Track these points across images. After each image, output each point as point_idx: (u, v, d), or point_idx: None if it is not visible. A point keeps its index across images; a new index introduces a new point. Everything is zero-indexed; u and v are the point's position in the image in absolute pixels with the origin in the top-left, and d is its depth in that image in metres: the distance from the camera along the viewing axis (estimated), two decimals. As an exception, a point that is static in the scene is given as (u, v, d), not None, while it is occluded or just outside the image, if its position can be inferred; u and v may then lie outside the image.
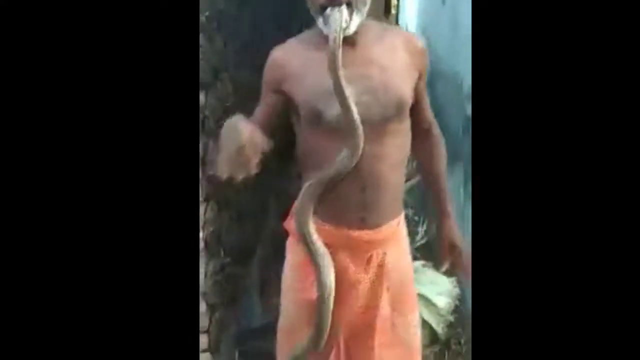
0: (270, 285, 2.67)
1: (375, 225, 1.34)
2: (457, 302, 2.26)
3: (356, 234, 1.33)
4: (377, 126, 1.25)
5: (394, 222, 1.39)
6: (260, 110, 1.33)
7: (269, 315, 2.42)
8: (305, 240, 1.27)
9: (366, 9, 1.23)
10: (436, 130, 1.44)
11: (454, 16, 2.94)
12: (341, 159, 1.21)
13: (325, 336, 1.28)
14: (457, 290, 2.26)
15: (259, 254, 2.58)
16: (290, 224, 1.38)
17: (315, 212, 1.31)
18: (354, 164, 1.22)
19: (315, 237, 1.27)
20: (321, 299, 1.26)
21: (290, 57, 1.31)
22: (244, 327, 2.25)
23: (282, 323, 1.45)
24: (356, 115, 1.16)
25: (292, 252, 1.42)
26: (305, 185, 1.26)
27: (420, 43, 1.37)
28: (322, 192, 1.24)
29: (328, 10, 1.17)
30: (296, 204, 1.27)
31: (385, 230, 1.36)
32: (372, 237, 1.34)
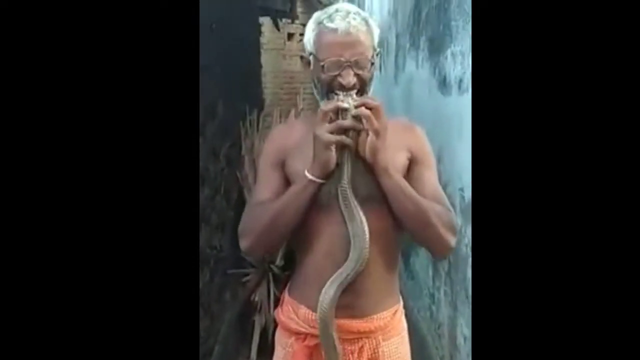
0: None
1: (365, 314, 1.22)
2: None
3: (342, 322, 1.20)
4: (365, 203, 1.17)
5: (387, 313, 1.26)
6: (266, 189, 1.25)
7: None
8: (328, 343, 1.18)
9: (372, 89, 1.22)
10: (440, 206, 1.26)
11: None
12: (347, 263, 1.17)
13: None
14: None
15: (217, 352, 2.39)
16: (279, 314, 1.31)
17: (292, 290, 1.27)
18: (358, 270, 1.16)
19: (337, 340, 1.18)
20: None
21: (292, 132, 1.27)
22: None
23: None
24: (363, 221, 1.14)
25: (281, 345, 1.31)
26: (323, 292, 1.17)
27: (409, 123, 1.32)
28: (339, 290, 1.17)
29: (340, 95, 1.14)
30: (320, 308, 1.17)
31: (377, 320, 1.24)
32: (359, 327, 1.22)
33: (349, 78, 1.13)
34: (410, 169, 1.24)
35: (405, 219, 1.18)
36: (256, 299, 2.86)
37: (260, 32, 5.07)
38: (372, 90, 1.23)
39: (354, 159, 1.15)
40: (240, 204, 2.98)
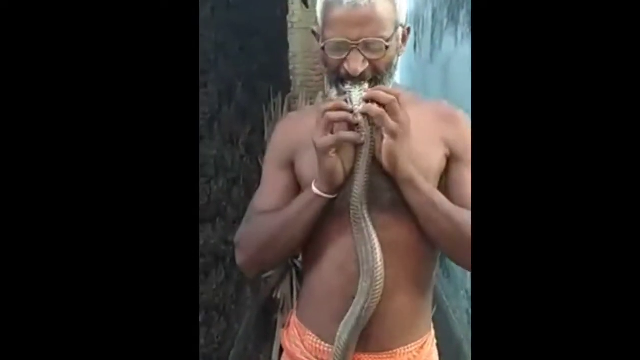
0: None
1: (385, 348, 1.01)
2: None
3: (357, 356, 1.01)
4: (388, 209, 0.96)
5: (414, 346, 1.03)
6: (270, 196, 1.06)
7: None
8: None
9: (392, 81, 0.97)
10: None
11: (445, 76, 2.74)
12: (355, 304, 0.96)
13: None
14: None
15: (234, 354, 2.28)
16: (284, 337, 1.16)
17: (298, 314, 1.11)
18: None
19: None
20: None
21: (303, 124, 1.03)
22: None
23: None
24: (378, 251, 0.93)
25: None
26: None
27: (450, 109, 1.05)
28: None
29: (348, 85, 0.92)
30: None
31: (401, 355, 1.02)
32: None
33: (356, 64, 0.90)
34: (449, 169, 0.99)
35: (439, 240, 0.95)
36: (278, 296, 2.75)
37: (287, 10, 4.83)
38: (395, 77, 0.97)
39: (371, 161, 0.92)
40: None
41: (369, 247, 0.92)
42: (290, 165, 1.05)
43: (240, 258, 1.04)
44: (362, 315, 0.93)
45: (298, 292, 2.73)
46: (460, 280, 2.44)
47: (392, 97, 0.87)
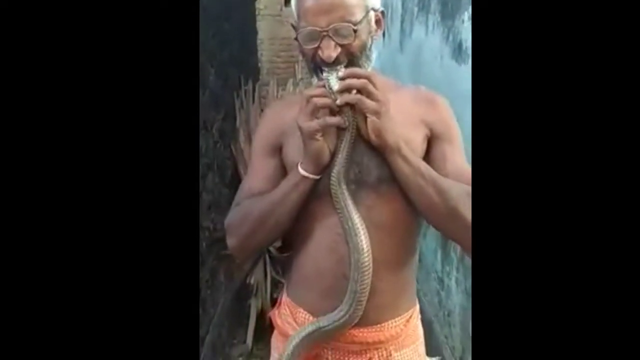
0: None
1: (373, 322, 1.05)
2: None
3: (348, 332, 1.04)
4: (374, 188, 1.00)
5: (400, 319, 1.07)
6: (258, 179, 1.09)
7: None
8: None
9: (371, 65, 1.01)
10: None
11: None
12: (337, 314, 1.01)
13: None
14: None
15: (209, 338, 2.31)
16: (275, 316, 1.18)
17: (290, 290, 1.14)
18: (353, 321, 1.02)
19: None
20: None
21: (289, 110, 1.06)
22: None
23: None
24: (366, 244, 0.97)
25: (277, 349, 1.17)
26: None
27: (428, 93, 1.10)
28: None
29: (325, 72, 0.95)
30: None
31: (388, 329, 1.06)
32: (369, 337, 1.05)
33: (328, 51, 0.93)
34: (431, 147, 1.04)
35: (427, 210, 0.98)
36: (252, 281, 2.75)
37: (255, -4, 4.81)
38: (373, 61, 1.01)
39: (353, 141, 0.97)
40: (235, 181, 2.83)
41: (351, 223, 0.96)
42: (278, 151, 1.07)
43: (230, 242, 1.07)
44: (359, 290, 0.97)
45: (271, 277, 2.76)
46: (431, 264, 2.50)
47: (363, 80, 0.91)
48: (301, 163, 0.98)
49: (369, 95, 0.91)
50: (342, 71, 0.94)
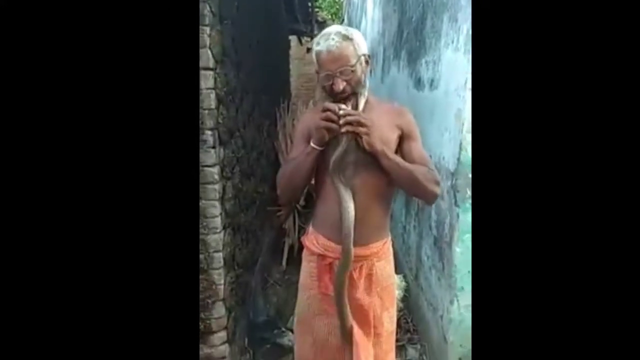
0: (269, 286, 2.47)
1: (363, 244, 1.14)
2: (404, 293, 2.16)
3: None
4: (365, 168, 1.09)
5: (379, 243, 1.18)
6: (295, 152, 1.18)
7: (270, 310, 2.21)
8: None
9: (367, 89, 1.11)
10: (427, 167, 1.12)
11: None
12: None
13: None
14: (404, 283, 2.21)
15: (260, 262, 2.40)
16: (305, 239, 1.23)
17: (314, 225, 1.19)
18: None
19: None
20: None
21: (314, 116, 1.14)
22: (251, 321, 2.02)
23: (298, 313, 1.27)
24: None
25: (306, 260, 1.24)
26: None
27: (399, 107, 1.19)
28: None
29: (337, 100, 1.06)
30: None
31: (372, 248, 1.16)
32: (359, 253, 1.14)
33: (339, 85, 1.04)
34: (402, 143, 1.13)
35: (400, 183, 1.09)
36: (286, 227, 2.81)
37: (289, 47, 4.85)
38: (367, 87, 1.11)
39: (349, 142, 1.07)
40: (276, 162, 2.90)
41: (341, 193, 1.08)
42: (308, 138, 1.15)
43: (278, 191, 1.17)
44: (348, 217, 1.08)
45: (298, 225, 2.82)
46: (398, 216, 2.56)
47: (356, 117, 1.02)
48: (312, 140, 1.08)
49: (361, 125, 1.02)
50: (344, 105, 1.04)
